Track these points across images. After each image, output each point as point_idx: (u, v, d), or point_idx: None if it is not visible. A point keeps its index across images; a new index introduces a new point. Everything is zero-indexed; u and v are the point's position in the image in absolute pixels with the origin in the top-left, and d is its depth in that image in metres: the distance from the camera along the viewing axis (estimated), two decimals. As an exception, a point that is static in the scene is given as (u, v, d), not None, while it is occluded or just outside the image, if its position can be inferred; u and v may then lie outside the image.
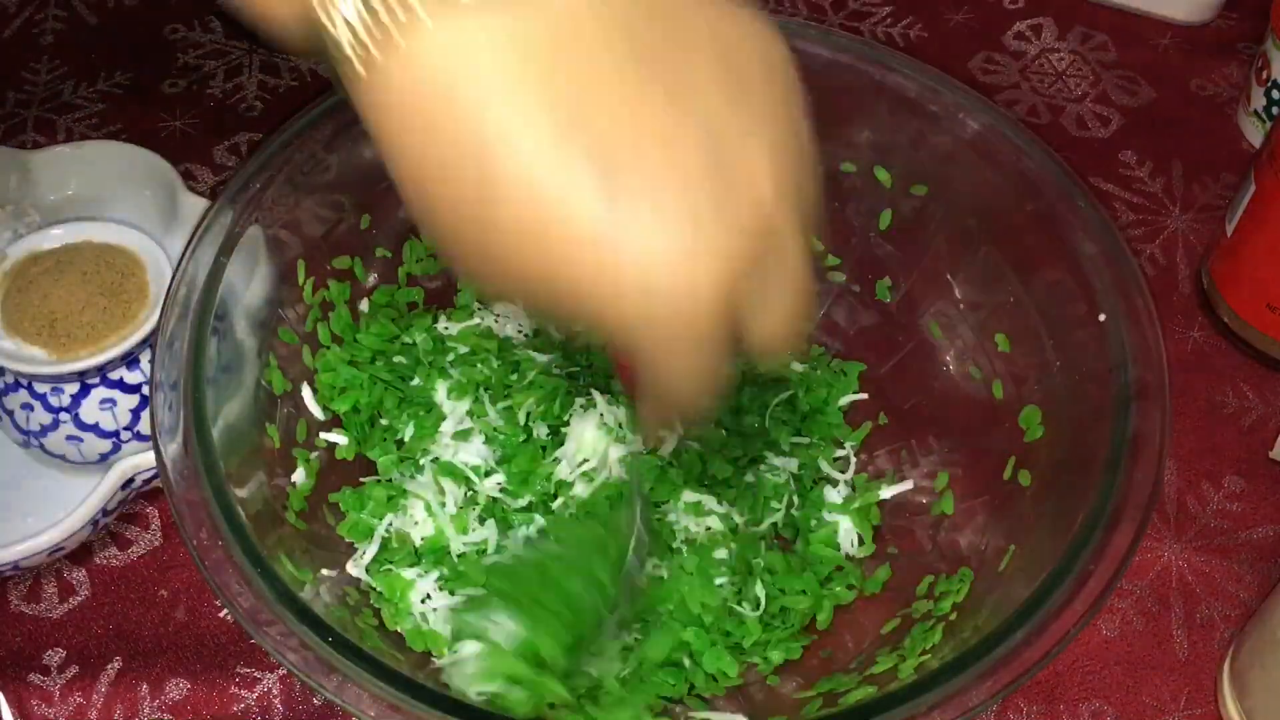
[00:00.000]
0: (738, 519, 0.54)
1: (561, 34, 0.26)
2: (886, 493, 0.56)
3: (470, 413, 0.56)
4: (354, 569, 0.52)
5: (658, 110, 0.27)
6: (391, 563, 0.52)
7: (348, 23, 0.27)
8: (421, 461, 0.55)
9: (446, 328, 0.58)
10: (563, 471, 0.54)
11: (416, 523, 0.53)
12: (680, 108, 0.27)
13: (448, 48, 0.26)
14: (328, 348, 0.55)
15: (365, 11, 0.26)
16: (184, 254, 0.49)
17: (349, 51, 0.27)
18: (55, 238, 0.56)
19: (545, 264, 0.27)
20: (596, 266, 0.27)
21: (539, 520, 0.53)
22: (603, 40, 0.27)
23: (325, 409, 0.55)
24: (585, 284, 0.27)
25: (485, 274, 0.30)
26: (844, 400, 0.60)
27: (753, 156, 0.28)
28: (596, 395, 0.55)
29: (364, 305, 0.58)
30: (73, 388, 0.54)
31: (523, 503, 0.54)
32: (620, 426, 0.54)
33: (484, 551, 0.53)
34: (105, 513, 0.53)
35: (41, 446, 0.55)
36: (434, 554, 0.52)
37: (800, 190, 0.29)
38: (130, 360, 0.54)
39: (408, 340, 0.58)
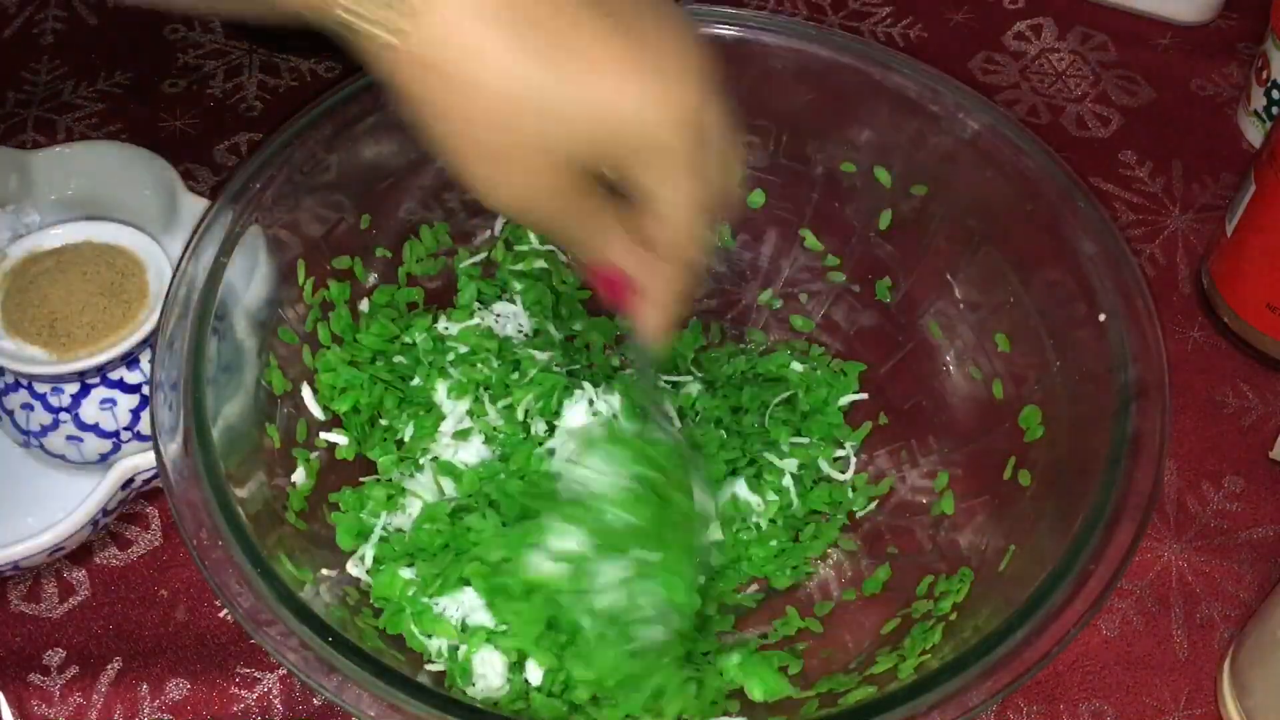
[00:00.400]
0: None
1: None
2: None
3: (470, 412, 0.56)
4: (354, 569, 0.52)
5: (612, 26, 0.36)
6: (387, 561, 0.52)
7: (366, 10, 0.34)
8: (421, 461, 0.55)
9: (446, 328, 0.58)
10: (556, 460, 0.54)
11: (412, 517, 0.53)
12: (629, 19, 0.36)
13: (457, 10, 0.34)
14: (328, 348, 0.55)
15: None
16: (184, 254, 0.49)
17: (374, 29, 0.34)
18: (55, 238, 0.56)
19: (573, 120, 0.35)
20: (606, 122, 0.35)
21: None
22: None
23: (325, 409, 0.55)
24: (602, 117, 0.35)
25: (508, 172, 0.37)
26: (844, 400, 0.60)
27: (688, 58, 0.37)
28: (588, 385, 0.55)
29: (364, 305, 0.58)
30: (73, 388, 0.54)
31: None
32: (615, 418, 0.54)
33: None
34: (105, 513, 0.53)
35: (41, 446, 0.55)
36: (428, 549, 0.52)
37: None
38: (130, 360, 0.54)
39: (408, 340, 0.58)
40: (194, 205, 0.62)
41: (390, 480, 0.54)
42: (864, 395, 0.60)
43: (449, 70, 0.35)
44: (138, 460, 0.54)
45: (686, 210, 0.38)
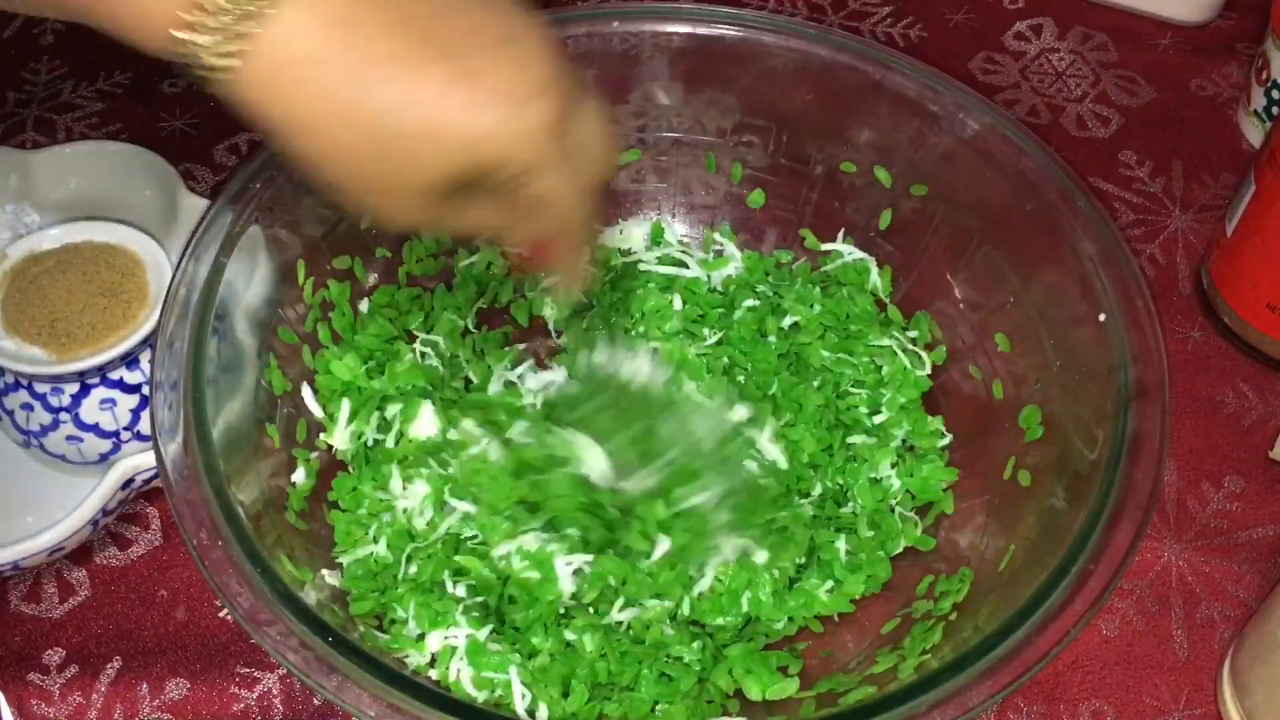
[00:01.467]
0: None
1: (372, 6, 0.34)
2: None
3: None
4: (332, 580, 0.52)
5: (455, 23, 0.36)
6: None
7: (210, 42, 0.33)
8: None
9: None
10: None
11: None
12: (467, 19, 0.36)
13: (301, 23, 0.33)
14: (328, 348, 0.55)
15: (222, 29, 0.33)
16: (184, 254, 0.49)
17: (215, 60, 0.34)
18: (55, 238, 0.56)
19: (436, 149, 0.36)
20: (468, 130, 0.35)
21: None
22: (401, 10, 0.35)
23: (325, 409, 0.55)
24: (466, 147, 0.36)
25: (394, 198, 0.37)
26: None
27: (535, 69, 0.37)
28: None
29: (364, 305, 0.58)
30: (73, 388, 0.54)
31: None
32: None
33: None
34: (105, 513, 0.53)
35: (41, 446, 0.55)
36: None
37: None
38: (130, 360, 0.54)
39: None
40: (194, 205, 0.62)
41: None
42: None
43: (296, 95, 0.35)
44: (138, 460, 0.54)
45: (563, 202, 0.40)
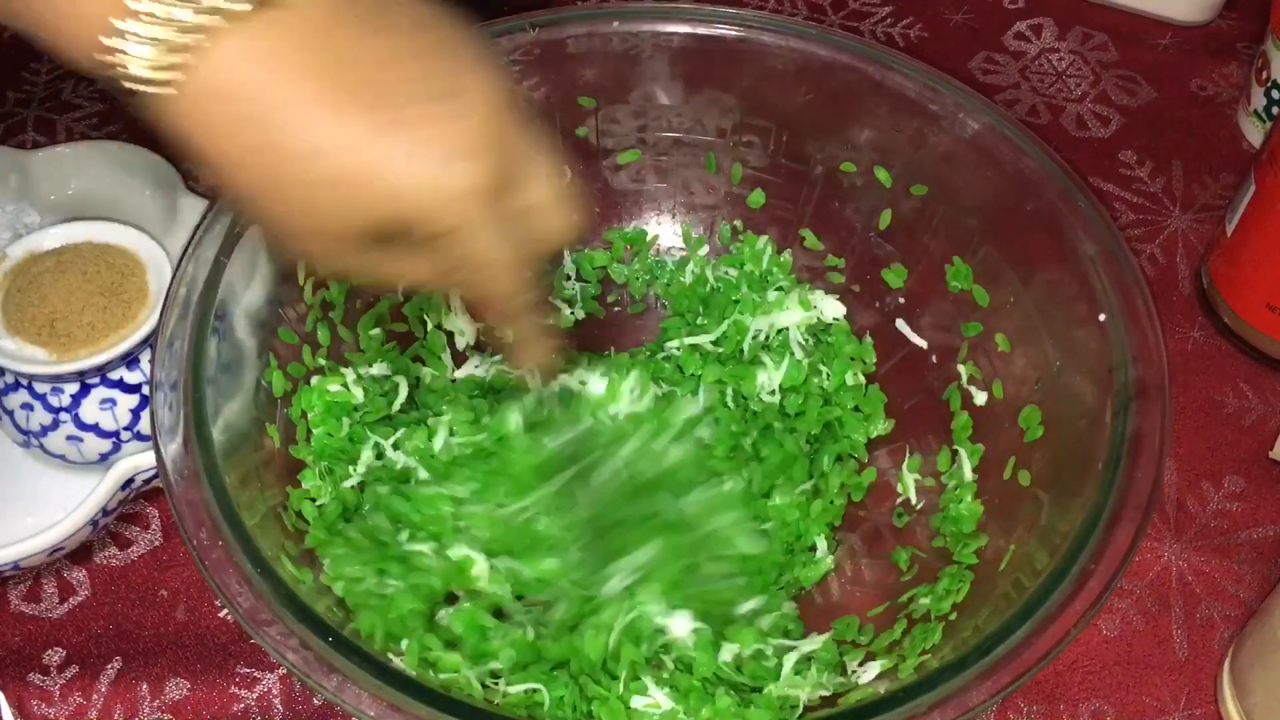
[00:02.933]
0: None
1: (316, 26, 0.34)
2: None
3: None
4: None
5: (395, 71, 0.35)
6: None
7: (140, 57, 0.33)
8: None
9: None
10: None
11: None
12: (410, 67, 0.35)
13: (235, 55, 0.33)
14: (327, 347, 0.55)
15: (155, 45, 0.33)
16: (184, 254, 0.49)
17: (149, 76, 0.33)
18: (55, 238, 0.56)
19: (357, 197, 0.35)
20: (388, 182, 0.35)
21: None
22: (345, 27, 0.35)
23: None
24: (386, 199, 0.35)
25: (317, 242, 0.37)
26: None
27: (470, 92, 0.36)
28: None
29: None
30: (73, 388, 0.54)
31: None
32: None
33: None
34: (105, 513, 0.53)
35: (41, 446, 0.55)
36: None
37: (515, 110, 0.37)
38: (130, 360, 0.54)
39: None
40: (194, 205, 0.62)
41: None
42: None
43: (225, 127, 0.34)
44: (138, 460, 0.53)
45: (493, 268, 0.38)
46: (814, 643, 0.51)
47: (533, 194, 0.38)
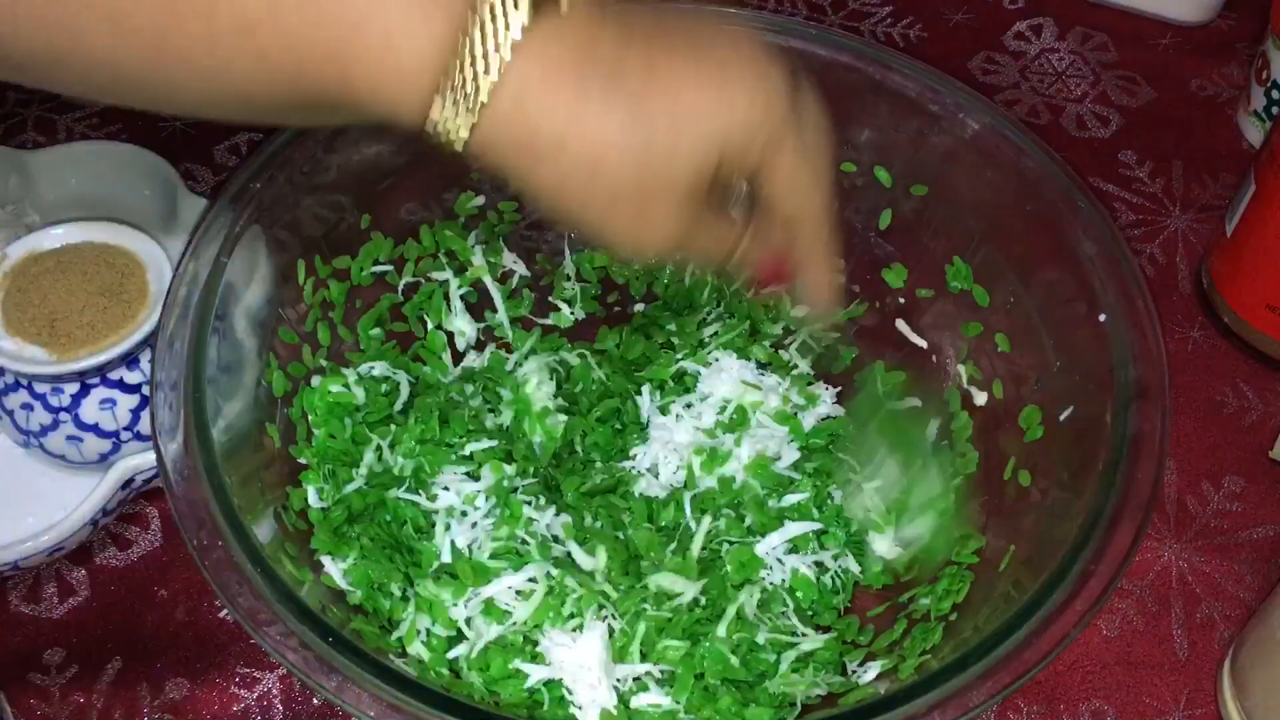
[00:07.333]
0: None
1: (586, 40, 0.36)
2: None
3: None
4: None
5: (664, 71, 0.37)
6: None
7: (445, 115, 0.35)
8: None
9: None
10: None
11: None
12: (694, 47, 0.38)
13: (519, 86, 0.35)
14: (328, 347, 0.55)
15: (456, 95, 0.35)
16: (184, 254, 0.49)
17: (455, 127, 0.36)
18: (55, 238, 0.56)
19: (697, 136, 0.37)
20: (717, 137, 0.38)
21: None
22: (614, 39, 0.37)
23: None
24: (721, 131, 0.38)
25: (646, 214, 0.39)
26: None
27: (759, 63, 0.39)
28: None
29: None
30: (73, 388, 0.54)
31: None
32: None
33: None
34: (105, 513, 0.53)
35: (41, 446, 0.55)
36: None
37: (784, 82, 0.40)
38: (130, 360, 0.54)
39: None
40: (194, 205, 0.62)
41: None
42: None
43: (544, 144, 0.36)
44: (138, 460, 0.54)
45: (807, 179, 0.41)
46: (814, 642, 0.51)
47: (807, 111, 0.41)
